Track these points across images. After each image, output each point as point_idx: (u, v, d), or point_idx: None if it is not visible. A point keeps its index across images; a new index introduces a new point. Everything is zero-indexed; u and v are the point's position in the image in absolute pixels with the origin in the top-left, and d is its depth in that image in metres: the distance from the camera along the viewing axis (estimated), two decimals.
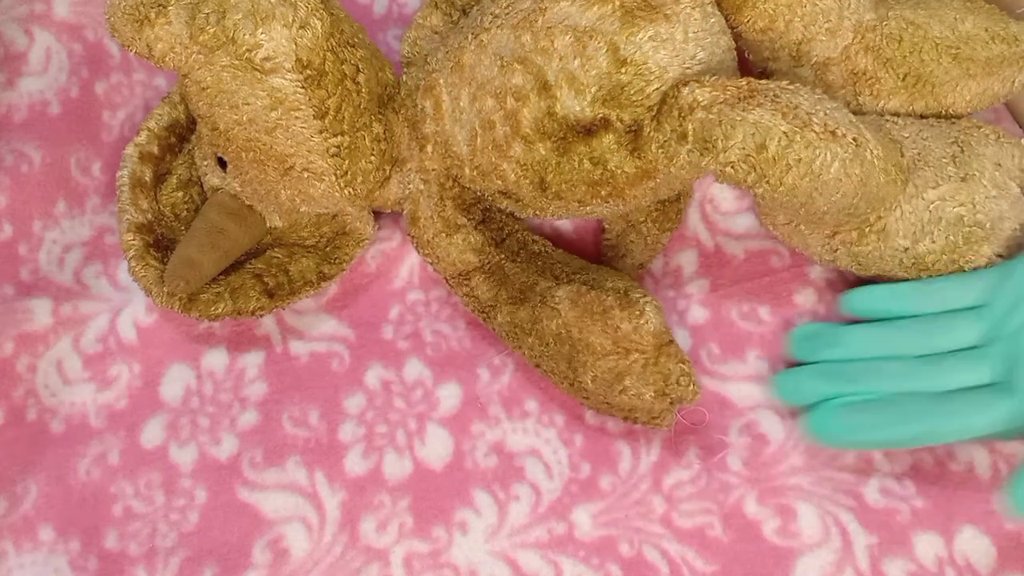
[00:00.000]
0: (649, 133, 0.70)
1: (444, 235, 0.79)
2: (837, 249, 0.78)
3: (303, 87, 0.71)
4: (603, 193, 0.73)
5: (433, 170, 0.79)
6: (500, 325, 0.78)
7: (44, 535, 0.77)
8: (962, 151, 0.76)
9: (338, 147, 0.75)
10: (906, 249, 0.75)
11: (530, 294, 0.77)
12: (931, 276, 0.76)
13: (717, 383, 0.79)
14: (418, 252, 0.82)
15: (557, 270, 0.79)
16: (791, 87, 0.69)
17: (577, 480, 0.77)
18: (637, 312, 0.72)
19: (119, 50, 0.94)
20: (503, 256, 0.79)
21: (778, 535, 0.74)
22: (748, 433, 0.77)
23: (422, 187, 0.80)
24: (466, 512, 0.76)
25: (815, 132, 0.65)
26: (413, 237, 0.82)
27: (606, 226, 0.84)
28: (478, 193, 0.80)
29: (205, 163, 0.82)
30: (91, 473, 0.79)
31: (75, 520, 0.77)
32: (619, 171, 0.71)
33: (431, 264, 0.81)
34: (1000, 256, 0.75)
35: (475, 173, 0.77)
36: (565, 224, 0.86)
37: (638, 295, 0.73)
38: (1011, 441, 0.75)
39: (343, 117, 0.74)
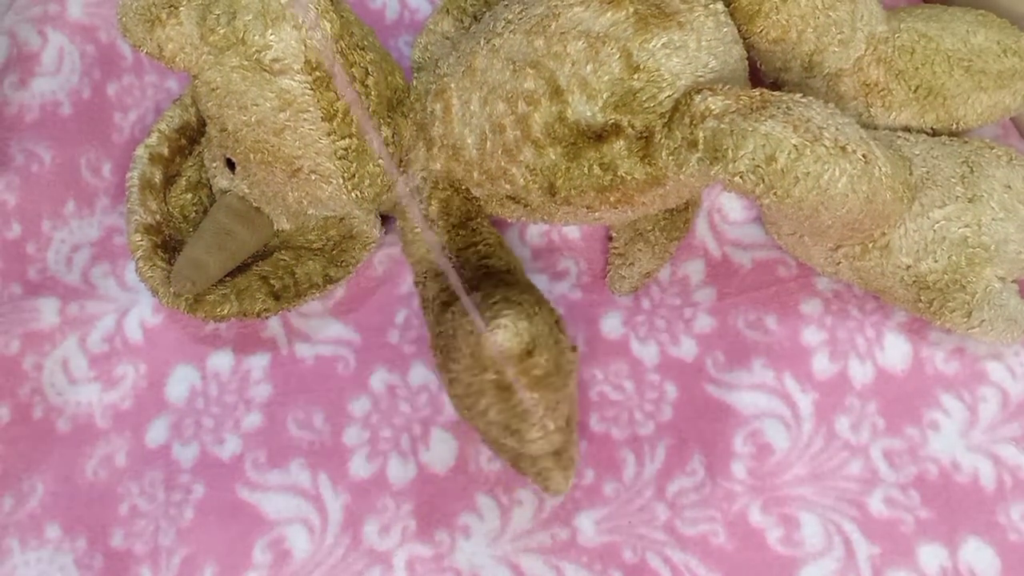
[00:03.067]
0: (660, 140, 0.70)
1: (421, 230, 0.79)
2: (840, 262, 0.78)
3: (312, 89, 0.72)
4: (612, 199, 0.73)
5: (434, 170, 0.79)
6: (431, 324, 0.76)
7: (50, 533, 0.77)
8: (972, 171, 0.76)
9: (346, 149, 0.75)
10: (908, 267, 0.75)
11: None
12: (931, 294, 0.75)
13: (723, 391, 0.79)
14: (402, 247, 0.82)
15: (496, 283, 0.74)
16: (804, 100, 0.69)
17: (581, 486, 0.77)
18: (492, 322, 0.65)
19: (131, 52, 0.94)
20: (459, 262, 0.77)
21: (781, 544, 0.74)
22: (753, 442, 0.77)
23: (419, 183, 0.80)
24: (469, 516, 0.76)
25: (825, 147, 0.65)
26: (401, 230, 0.82)
27: (613, 234, 0.84)
28: (468, 200, 0.80)
29: (214, 165, 0.83)
30: (98, 474, 0.79)
31: (82, 519, 0.78)
32: (629, 177, 0.71)
33: (408, 259, 0.81)
34: (1001, 279, 0.75)
35: (483, 177, 0.77)
36: (573, 231, 0.86)
37: (506, 308, 0.66)
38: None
39: (351, 120, 0.75)
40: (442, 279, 0.76)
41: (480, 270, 0.74)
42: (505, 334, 0.64)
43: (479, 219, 0.79)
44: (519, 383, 0.65)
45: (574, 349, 0.71)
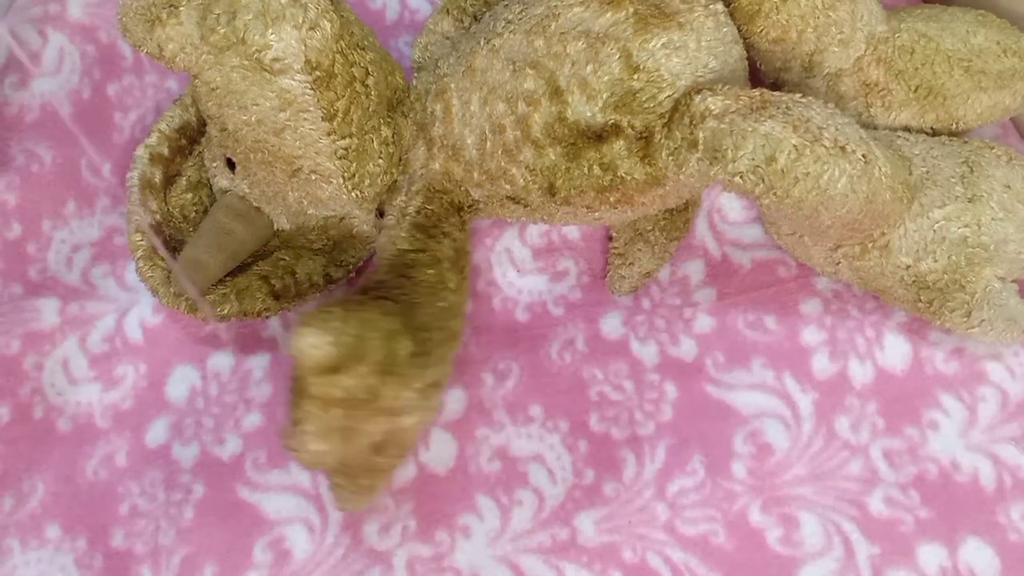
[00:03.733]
0: (660, 140, 0.70)
1: (392, 220, 0.79)
2: (839, 262, 0.78)
3: (312, 88, 0.72)
4: (612, 199, 0.73)
5: (434, 170, 0.79)
6: None
7: (50, 533, 0.77)
8: (971, 171, 0.76)
9: (346, 149, 0.75)
10: (908, 267, 0.75)
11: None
12: (931, 294, 0.75)
13: (722, 391, 0.79)
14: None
15: (399, 294, 0.73)
16: (804, 100, 0.69)
17: (581, 486, 0.77)
18: (302, 327, 0.63)
19: (132, 52, 0.94)
20: (391, 260, 0.75)
21: (781, 544, 0.74)
22: (753, 442, 0.77)
23: (415, 179, 0.79)
24: (469, 516, 0.76)
25: (825, 147, 0.65)
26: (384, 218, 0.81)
27: (613, 234, 0.84)
28: (452, 206, 0.79)
29: (214, 164, 0.83)
30: (99, 473, 0.79)
31: (82, 519, 0.78)
32: (629, 177, 0.71)
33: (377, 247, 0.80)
34: (1001, 279, 0.75)
35: (484, 177, 0.77)
36: (573, 231, 0.86)
37: (331, 319, 0.64)
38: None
39: (352, 119, 0.74)
40: (373, 271, 0.75)
41: (399, 276, 0.73)
42: (301, 341, 0.62)
43: (448, 229, 0.77)
44: (307, 391, 0.63)
45: (429, 388, 0.69)
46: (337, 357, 0.62)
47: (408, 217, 0.77)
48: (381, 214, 0.83)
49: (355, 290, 0.73)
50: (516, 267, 0.85)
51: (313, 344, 0.62)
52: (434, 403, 0.72)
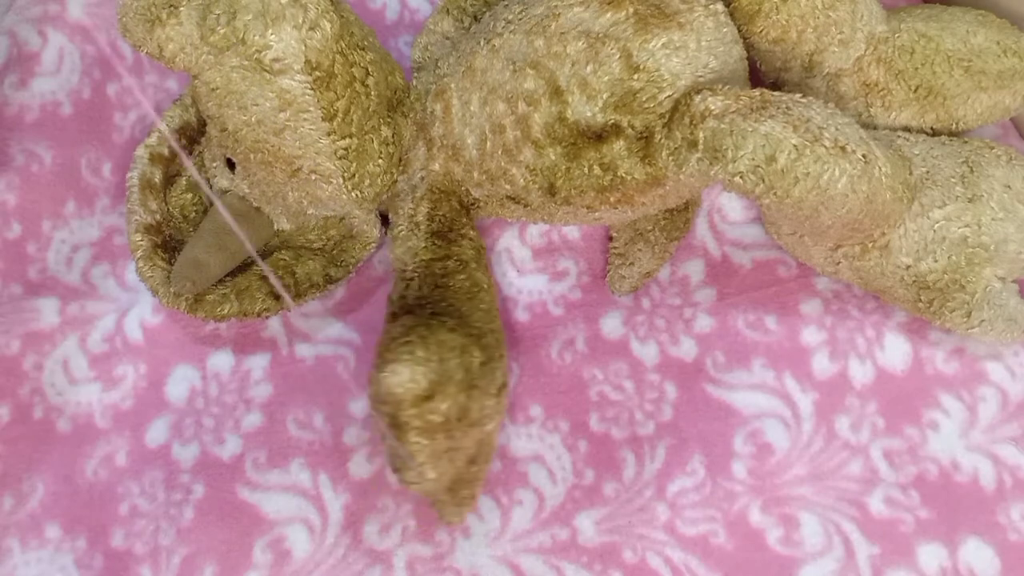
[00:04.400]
0: (660, 140, 0.70)
1: (404, 230, 0.79)
2: (839, 262, 0.78)
3: (312, 89, 0.72)
4: (612, 199, 0.73)
5: (433, 170, 0.79)
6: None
7: (50, 533, 0.77)
8: (972, 171, 0.76)
9: (346, 149, 0.75)
10: (908, 267, 0.75)
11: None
12: (931, 294, 0.75)
13: (723, 391, 0.79)
14: (389, 242, 0.81)
15: (446, 307, 0.74)
16: (804, 100, 0.69)
17: (581, 486, 0.77)
18: (388, 365, 0.65)
19: (132, 52, 0.94)
20: (421, 272, 0.76)
21: (781, 544, 0.74)
22: (753, 442, 0.77)
23: (417, 183, 0.80)
24: (469, 516, 0.76)
25: (825, 147, 0.65)
26: (391, 226, 0.81)
27: (613, 234, 0.84)
28: (461, 207, 0.80)
29: (214, 165, 0.83)
30: (98, 473, 0.79)
31: (82, 519, 0.78)
32: (629, 177, 0.71)
33: (389, 254, 0.80)
34: (1001, 279, 0.75)
35: (484, 177, 0.77)
36: (573, 231, 0.86)
37: (417, 348, 0.66)
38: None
39: (352, 120, 0.74)
40: (402, 286, 0.75)
41: (437, 288, 0.74)
42: (397, 380, 0.64)
43: (464, 230, 0.78)
44: (410, 425, 0.65)
45: (500, 390, 0.71)
46: (430, 385, 0.64)
47: (422, 225, 0.77)
48: (383, 217, 0.83)
49: (394, 309, 0.73)
50: (516, 267, 0.85)
51: (408, 379, 0.64)
52: (506, 403, 0.74)
